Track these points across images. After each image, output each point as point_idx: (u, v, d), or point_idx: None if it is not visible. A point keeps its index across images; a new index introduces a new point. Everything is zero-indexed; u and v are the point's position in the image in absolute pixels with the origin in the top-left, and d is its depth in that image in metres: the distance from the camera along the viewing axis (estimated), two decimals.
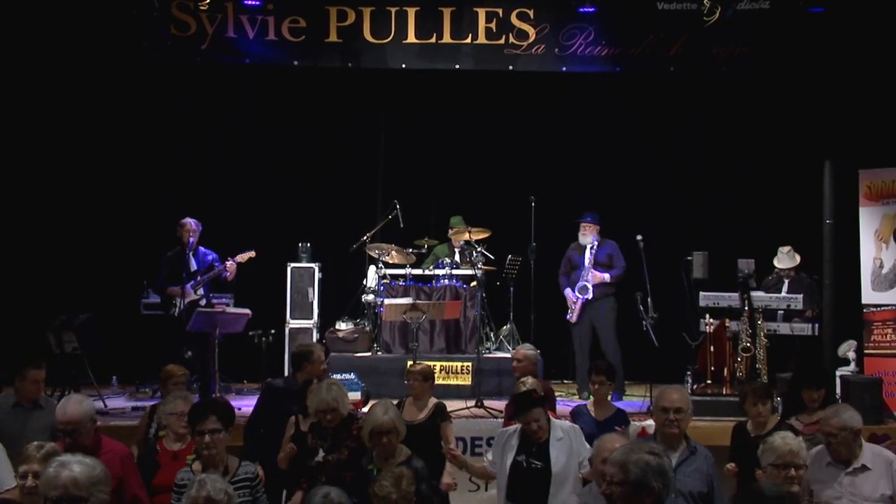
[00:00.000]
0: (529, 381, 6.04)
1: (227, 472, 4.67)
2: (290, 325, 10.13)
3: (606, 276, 9.43)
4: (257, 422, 6.50)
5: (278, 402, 6.27)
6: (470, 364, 9.22)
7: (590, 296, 9.43)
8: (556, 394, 7.94)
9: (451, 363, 9.37)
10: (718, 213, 10.66)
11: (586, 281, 9.44)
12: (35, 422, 5.83)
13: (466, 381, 9.22)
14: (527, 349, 6.98)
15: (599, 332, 9.49)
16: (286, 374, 8.94)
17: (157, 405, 6.23)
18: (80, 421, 4.85)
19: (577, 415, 6.37)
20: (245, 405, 7.70)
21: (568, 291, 9.60)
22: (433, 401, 6.28)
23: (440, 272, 9.90)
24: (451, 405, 8.08)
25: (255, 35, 9.98)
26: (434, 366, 8.96)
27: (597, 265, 9.47)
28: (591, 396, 6.60)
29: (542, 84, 10.57)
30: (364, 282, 10.09)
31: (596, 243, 9.49)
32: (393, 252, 10.00)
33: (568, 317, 9.62)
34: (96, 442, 4.96)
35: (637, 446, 3.59)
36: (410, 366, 6.62)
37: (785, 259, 9.45)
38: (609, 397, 6.53)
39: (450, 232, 10.31)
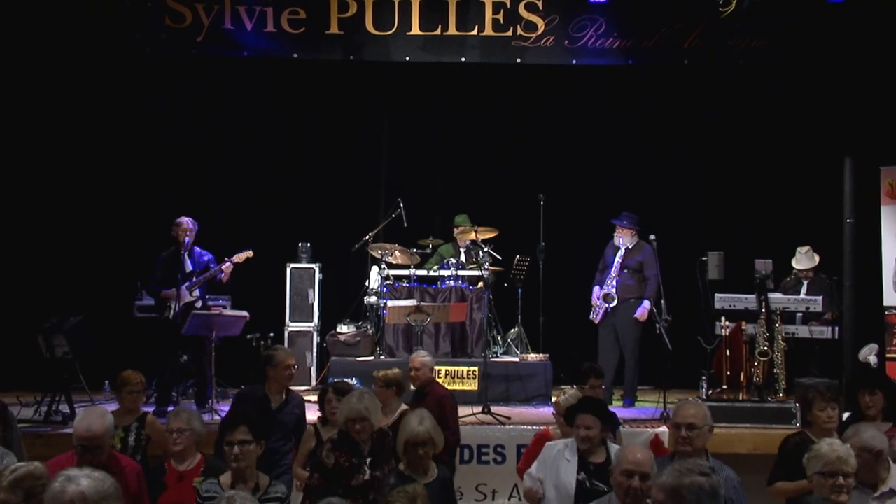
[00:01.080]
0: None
1: (258, 489, 4.50)
2: (290, 328, 10.14)
3: (643, 312, 8.99)
4: None
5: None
6: (476, 369, 9.13)
7: (614, 304, 9.17)
8: None
9: (456, 367, 9.25)
10: (735, 212, 10.56)
11: (611, 288, 9.19)
12: None
13: (473, 386, 9.11)
14: (422, 356, 6.87)
15: (621, 336, 9.24)
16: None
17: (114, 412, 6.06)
18: (103, 436, 4.68)
19: None
20: None
21: (595, 290, 9.36)
22: (403, 407, 6.26)
23: (445, 273, 9.79)
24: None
25: (253, 27, 9.87)
26: (439, 370, 8.87)
27: (625, 270, 9.21)
28: None
29: (552, 78, 10.46)
30: (366, 283, 10.01)
31: (627, 247, 9.20)
32: (396, 252, 9.90)
33: (592, 317, 9.39)
34: (110, 457, 4.79)
35: (686, 468, 3.37)
36: (375, 372, 6.56)
37: (803, 259, 9.33)
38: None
39: (455, 231, 10.19)
